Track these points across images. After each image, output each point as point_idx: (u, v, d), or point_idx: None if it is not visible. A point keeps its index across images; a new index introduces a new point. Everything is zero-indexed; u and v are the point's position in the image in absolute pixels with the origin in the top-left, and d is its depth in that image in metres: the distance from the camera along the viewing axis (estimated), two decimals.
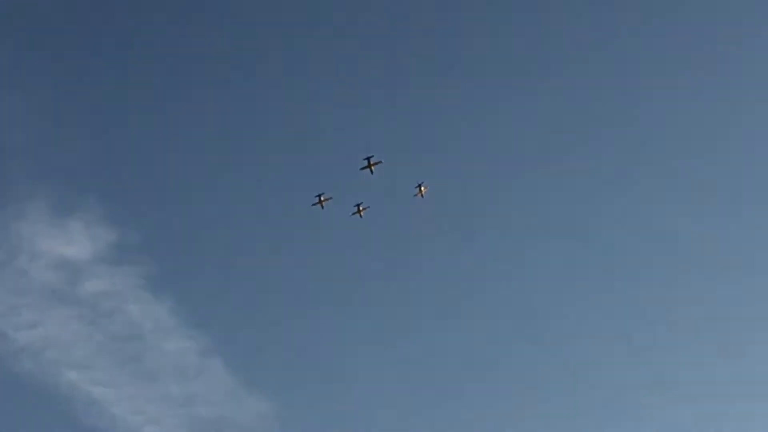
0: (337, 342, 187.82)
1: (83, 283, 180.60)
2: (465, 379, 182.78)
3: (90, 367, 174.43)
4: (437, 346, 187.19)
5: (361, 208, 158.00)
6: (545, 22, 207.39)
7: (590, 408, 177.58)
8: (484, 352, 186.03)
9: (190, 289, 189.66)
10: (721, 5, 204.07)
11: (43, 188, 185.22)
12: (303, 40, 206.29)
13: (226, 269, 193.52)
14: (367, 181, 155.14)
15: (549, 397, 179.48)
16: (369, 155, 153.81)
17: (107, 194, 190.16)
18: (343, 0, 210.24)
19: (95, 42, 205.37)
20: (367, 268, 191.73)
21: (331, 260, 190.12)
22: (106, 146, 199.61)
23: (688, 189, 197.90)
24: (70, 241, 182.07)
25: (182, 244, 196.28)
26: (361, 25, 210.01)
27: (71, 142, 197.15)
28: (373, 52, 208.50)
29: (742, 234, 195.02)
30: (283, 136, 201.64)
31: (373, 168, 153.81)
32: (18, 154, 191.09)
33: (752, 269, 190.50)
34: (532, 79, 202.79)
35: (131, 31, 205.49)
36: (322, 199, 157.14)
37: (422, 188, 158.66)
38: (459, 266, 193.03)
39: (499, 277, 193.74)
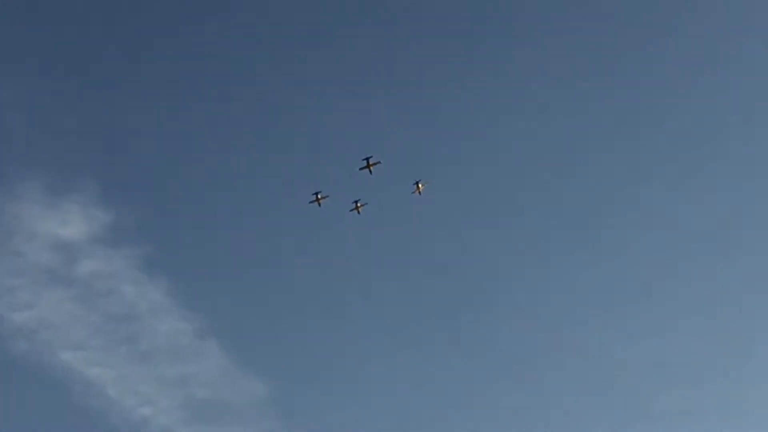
0: (331, 324, 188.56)
1: (79, 264, 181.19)
2: (458, 363, 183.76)
3: (85, 348, 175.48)
4: (433, 330, 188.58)
5: (359, 204, 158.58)
6: (545, 23, 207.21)
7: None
8: (477, 340, 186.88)
9: (186, 270, 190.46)
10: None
11: (38, 169, 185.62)
12: (303, 41, 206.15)
13: (222, 251, 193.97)
14: (366, 178, 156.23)
15: (548, 397, 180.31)
16: (368, 156, 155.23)
17: (103, 175, 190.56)
18: (343, 1, 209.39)
19: (92, 25, 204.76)
20: (362, 254, 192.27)
21: (328, 245, 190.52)
22: (102, 128, 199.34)
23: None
24: (66, 222, 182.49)
25: (178, 225, 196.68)
26: (360, 26, 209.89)
27: (67, 123, 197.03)
28: (373, 52, 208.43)
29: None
30: (283, 132, 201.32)
31: (371, 168, 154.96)
32: (13, 135, 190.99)
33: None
34: (531, 79, 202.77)
35: (131, 15, 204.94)
36: (319, 197, 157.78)
37: (420, 185, 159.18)
38: (455, 261, 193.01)
39: (499, 276, 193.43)
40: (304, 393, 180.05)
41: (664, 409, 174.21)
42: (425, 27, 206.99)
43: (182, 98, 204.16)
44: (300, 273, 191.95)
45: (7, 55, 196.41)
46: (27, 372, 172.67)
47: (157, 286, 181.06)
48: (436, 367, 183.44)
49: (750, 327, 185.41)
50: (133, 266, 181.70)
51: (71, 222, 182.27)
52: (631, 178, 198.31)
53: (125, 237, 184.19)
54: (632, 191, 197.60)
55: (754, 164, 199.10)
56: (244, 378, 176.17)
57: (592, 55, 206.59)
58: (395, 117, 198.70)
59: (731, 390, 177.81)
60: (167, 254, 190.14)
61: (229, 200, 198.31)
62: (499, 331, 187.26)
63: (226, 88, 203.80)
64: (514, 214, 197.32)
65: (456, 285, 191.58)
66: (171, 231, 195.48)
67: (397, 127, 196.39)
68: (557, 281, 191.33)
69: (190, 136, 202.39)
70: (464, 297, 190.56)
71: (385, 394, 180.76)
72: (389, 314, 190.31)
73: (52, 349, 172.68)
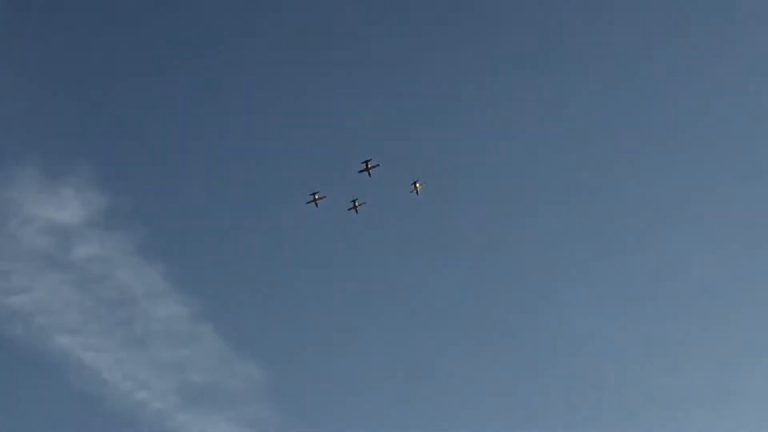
0: (328, 308, 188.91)
1: (74, 248, 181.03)
2: (454, 350, 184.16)
3: (81, 333, 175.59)
4: (430, 317, 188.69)
5: (357, 203, 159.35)
6: (544, 25, 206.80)
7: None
8: (473, 330, 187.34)
9: (182, 254, 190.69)
10: None
11: (33, 153, 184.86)
12: (303, 43, 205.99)
13: (217, 235, 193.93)
14: (364, 178, 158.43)
15: (547, 383, 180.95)
16: (367, 159, 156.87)
17: (98, 159, 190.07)
18: (345, 3, 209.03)
19: (88, 9, 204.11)
20: (359, 241, 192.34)
21: (324, 230, 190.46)
22: (98, 111, 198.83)
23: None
24: (61, 206, 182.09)
25: (174, 209, 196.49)
26: (359, 27, 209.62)
27: (62, 106, 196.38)
28: (372, 52, 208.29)
29: None
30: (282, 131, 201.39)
31: (370, 171, 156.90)
32: (8, 118, 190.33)
33: None
34: (531, 80, 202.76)
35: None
36: (316, 197, 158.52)
37: (417, 185, 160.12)
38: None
39: (498, 276, 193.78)
40: (300, 378, 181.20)
41: (663, 394, 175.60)
42: (425, 29, 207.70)
43: (180, 90, 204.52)
44: (296, 257, 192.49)
45: (2, 40, 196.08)
46: (23, 356, 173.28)
47: (153, 270, 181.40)
48: (432, 352, 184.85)
49: (748, 313, 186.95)
50: (129, 250, 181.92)
51: (67, 206, 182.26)
52: (630, 172, 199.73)
53: (121, 221, 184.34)
54: (630, 183, 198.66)
55: (752, 154, 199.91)
56: (240, 362, 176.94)
57: (593, 55, 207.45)
58: (394, 117, 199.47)
59: (728, 376, 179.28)
60: (163, 238, 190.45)
61: (225, 184, 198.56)
62: (497, 328, 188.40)
63: (224, 84, 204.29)
64: (514, 213, 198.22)
65: (454, 280, 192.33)
66: (167, 215, 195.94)
67: (396, 127, 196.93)
68: (556, 276, 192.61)
69: (187, 120, 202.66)
70: (462, 292, 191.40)
71: (381, 378, 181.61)
72: (387, 300, 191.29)
73: (48, 333, 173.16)
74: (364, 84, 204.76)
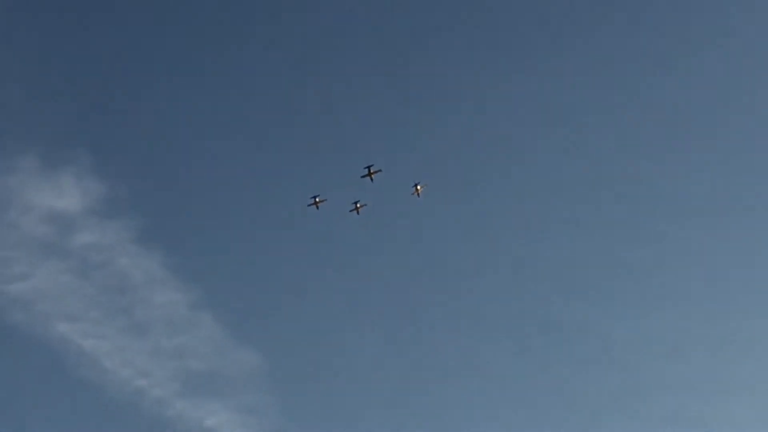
0: (327, 295, 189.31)
1: (74, 235, 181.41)
2: (449, 345, 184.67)
3: (81, 320, 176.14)
4: (428, 306, 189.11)
5: (358, 205, 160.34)
6: (544, 27, 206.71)
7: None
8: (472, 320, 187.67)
9: (181, 242, 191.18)
10: None
11: (33, 141, 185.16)
12: (305, 45, 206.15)
13: (216, 223, 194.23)
14: (365, 181, 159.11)
15: (546, 372, 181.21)
16: (369, 164, 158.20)
17: (98, 147, 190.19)
18: (348, 7, 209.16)
19: None
20: (358, 230, 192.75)
21: (324, 219, 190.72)
22: (97, 100, 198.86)
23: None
24: (61, 194, 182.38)
25: (173, 197, 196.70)
26: (363, 32, 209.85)
27: (62, 95, 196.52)
28: (374, 56, 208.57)
29: None
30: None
31: (372, 176, 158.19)
32: (8, 107, 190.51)
33: None
34: (530, 82, 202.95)
35: None
36: (317, 200, 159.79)
37: (418, 187, 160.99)
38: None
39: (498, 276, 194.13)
40: (299, 365, 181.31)
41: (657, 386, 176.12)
42: (428, 34, 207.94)
43: (181, 83, 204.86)
44: (295, 245, 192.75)
45: (2, 28, 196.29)
46: (22, 343, 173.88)
47: (153, 257, 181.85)
48: (429, 338, 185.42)
49: (741, 302, 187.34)
50: (128, 238, 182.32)
51: (67, 194, 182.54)
52: (631, 171, 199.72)
53: (120, 208, 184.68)
54: (630, 182, 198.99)
55: (747, 140, 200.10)
56: (239, 350, 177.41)
57: (593, 56, 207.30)
58: (396, 120, 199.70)
59: (721, 366, 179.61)
60: (162, 226, 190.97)
61: (224, 172, 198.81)
62: (498, 328, 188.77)
63: (223, 81, 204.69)
64: (514, 214, 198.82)
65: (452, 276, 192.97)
66: (166, 203, 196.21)
67: (397, 129, 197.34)
68: (556, 277, 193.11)
69: (187, 111, 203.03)
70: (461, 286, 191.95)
71: (378, 367, 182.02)
72: (385, 286, 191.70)
73: (48, 320, 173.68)
74: (365, 85, 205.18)
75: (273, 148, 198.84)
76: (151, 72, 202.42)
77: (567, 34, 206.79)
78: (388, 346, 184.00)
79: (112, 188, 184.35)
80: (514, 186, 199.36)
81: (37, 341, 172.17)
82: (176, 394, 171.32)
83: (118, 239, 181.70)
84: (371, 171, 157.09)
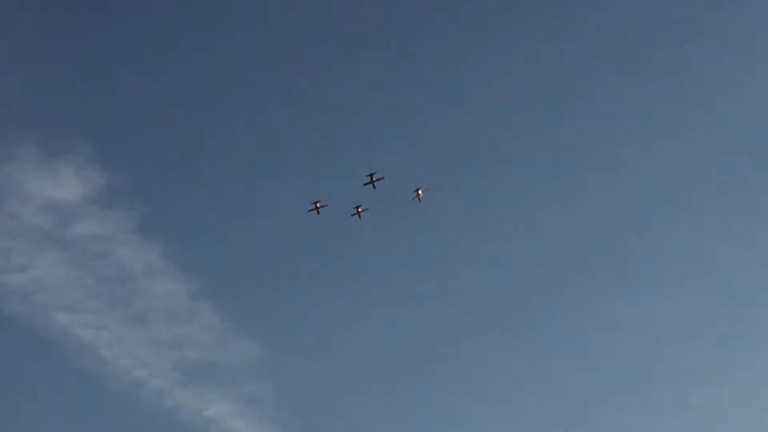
0: (327, 286, 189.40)
1: (73, 226, 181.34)
2: (451, 332, 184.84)
3: (80, 310, 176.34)
4: (428, 296, 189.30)
5: (360, 209, 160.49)
6: (545, 29, 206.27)
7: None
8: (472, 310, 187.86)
9: (180, 232, 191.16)
10: None
11: (32, 131, 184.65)
12: (305, 48, 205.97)
13: (217, 212, 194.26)
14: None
15: (547, 359, 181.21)
16: (372, 172, 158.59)
17: (97, 137, 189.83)
18: (350, 11, 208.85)
19: None
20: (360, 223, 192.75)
21: (325, 212, 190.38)
22: (97, 90, 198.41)
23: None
24: (60, 184, 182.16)
25: (172, 186, 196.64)
26: (364, 36, 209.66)
27: (61, 85, 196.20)
28: (375, 59, 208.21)
29: None
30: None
31: (375, 184, 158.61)
32: (7, 96, 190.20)
33: None
34: (530, 84, 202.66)
35: None
36: (318, 206, 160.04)
37: (419, 192, 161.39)
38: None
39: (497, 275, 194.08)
40: (298, 355, 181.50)
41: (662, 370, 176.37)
42: (428, 37, 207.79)
43: (182, 78, 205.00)
44: (294, 234, 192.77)
45: (1, 18, 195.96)
46: (22, 334, 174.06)
47: (152, 247, 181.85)
48: (429, 328, 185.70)
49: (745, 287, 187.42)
50: (128, 228, 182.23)
51: (66, 184, 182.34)
52: (631, 171, 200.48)
53: (120, 198, 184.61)
54: (630, 182, 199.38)
55: (747, 132, 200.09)
56: (239, 340, 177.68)
57: (592, 57, 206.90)
58: (397, 124, 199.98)
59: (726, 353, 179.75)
60: (162, 216, 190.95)
61: (223, 162, 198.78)
62: (498, 328, 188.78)
63: (224, 78, 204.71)
64: (514, 215, 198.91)
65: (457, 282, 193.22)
66: (166, 193, 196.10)
67: (399, 134, 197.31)
68: (557, 278, 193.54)
69: (188, 103, 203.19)
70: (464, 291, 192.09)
71: (379, 360, 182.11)
72: (384, 274, 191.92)
73: (47, 310, 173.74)
74: (367, 86, 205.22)
75: (272, 138, 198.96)
76: (152, 62, 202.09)
77: (567, 36, 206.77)
78: (388, 337, 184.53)
79: (111, 178, 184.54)
80: (514, 189, 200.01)
81: (36, 332, 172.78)
82: (176, 385, 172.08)
83: (118, 229, 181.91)
84: (374, 178, 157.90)
